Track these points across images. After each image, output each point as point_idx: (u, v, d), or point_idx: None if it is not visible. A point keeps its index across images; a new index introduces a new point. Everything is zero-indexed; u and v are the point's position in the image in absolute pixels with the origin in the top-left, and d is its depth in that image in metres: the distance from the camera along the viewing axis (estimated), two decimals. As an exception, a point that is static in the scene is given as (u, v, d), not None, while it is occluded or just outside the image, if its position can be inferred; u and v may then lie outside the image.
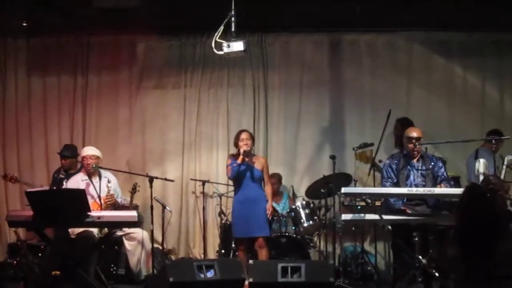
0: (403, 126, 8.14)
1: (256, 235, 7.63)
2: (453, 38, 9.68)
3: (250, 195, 7.68)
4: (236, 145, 7.80)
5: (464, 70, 9.64)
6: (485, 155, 8.03)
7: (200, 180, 9.36)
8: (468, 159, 8.54)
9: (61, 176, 8.52)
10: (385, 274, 8.77)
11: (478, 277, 4.45)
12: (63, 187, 7.89)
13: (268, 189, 7.88)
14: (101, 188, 7.79)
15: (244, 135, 7.77)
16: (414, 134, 7.27)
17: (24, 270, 8.08)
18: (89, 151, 7.95)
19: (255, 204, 7.64)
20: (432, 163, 7.32)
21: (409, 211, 7.03)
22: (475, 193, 4.78)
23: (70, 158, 8.61)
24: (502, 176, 7.49)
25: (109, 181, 7.88)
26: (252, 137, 7.93)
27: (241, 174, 7.68)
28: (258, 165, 7.78)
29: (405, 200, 7.17)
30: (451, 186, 7.22)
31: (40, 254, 8.49)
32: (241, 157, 7.62)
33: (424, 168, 7.28)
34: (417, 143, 7.19)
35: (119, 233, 7.73)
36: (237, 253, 7.96)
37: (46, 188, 8.45)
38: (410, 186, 7.11)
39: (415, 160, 7.30)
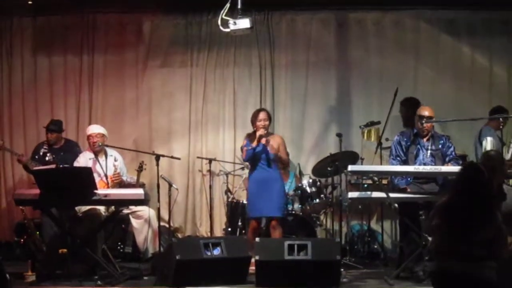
0: (408, 107, 8.09)
1: (270, 215, 7.65)
2: (459, 16, 9.59)
3: (263, 177, 7.67)
4: (253, 123, 7.75)
5: (471, 49, 9.55)
6: (489, 134, 8.00)
7: (206, 158, 9.34)
8: (475, 139, 8.50)
9: (44, 149, 8.51)
10: (392, 253, 8.79)
11: (452, 252, 4.48)
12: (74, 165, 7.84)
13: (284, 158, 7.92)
14: (107, 167, 7.77)
15: (262, 115, 7.68)
16: (426, 113, 7.24)
17: (31, 249, 8.11)
18: (95, 129, 7.93)
19: (269, 185, 7.63)
20: (442, 143, 7.30)
21: (409, 190, 7.03)
22: (470, 171, 4.77)
23: (57, 133, 8.58)
24: (509, 154, 7.47)
25: (115, 160, 7.88)
26: (270, 117, 7.83)
27: (256, 156, 7.66)
28: (274, 145, 7.71)
29: (410, 180, 7.16)
30: (459, 165, 7.18)
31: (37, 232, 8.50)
32: (256, 140, 7.59)
33: (433, 148, 7.26)
34: (423, 122, 7.16)
35: (125, 211, 7.72)
36: (243, 231, 7.98)
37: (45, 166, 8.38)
38: (419, 165, 7.08)
39: (425, 140, 7.29)
